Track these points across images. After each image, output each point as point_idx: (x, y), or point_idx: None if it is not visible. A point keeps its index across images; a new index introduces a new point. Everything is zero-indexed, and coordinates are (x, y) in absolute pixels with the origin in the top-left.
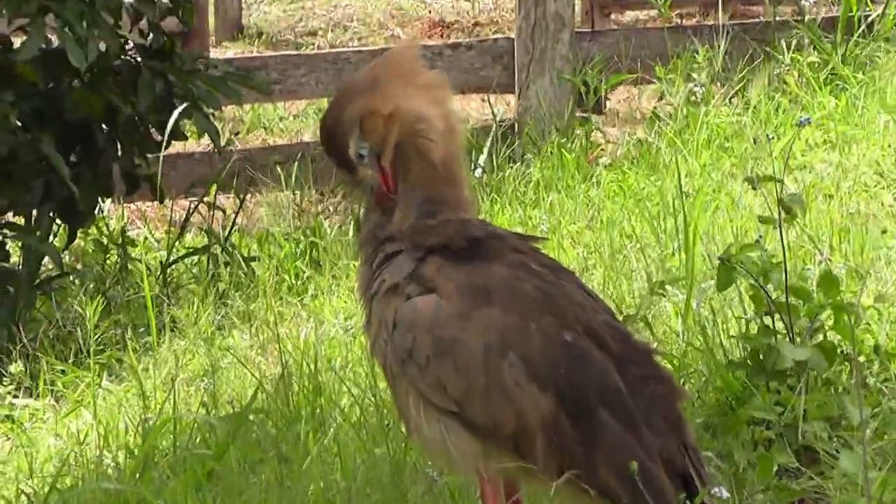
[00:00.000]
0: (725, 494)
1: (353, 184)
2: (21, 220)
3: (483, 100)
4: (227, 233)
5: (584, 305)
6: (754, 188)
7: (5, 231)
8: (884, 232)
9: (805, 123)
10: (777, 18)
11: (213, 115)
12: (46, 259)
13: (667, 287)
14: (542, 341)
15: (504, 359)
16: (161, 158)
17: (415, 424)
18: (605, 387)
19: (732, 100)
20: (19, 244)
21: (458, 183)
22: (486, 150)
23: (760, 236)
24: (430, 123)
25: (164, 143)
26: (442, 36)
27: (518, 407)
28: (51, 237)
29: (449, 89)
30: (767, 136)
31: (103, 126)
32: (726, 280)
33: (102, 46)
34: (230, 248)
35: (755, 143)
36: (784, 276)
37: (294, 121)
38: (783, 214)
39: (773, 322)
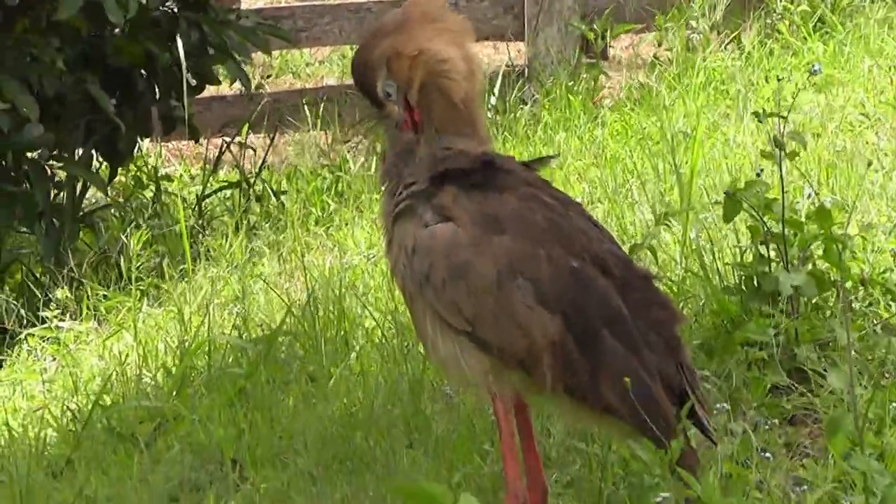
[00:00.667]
0: (724, 406)
1: (381, 119)
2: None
3: (495, 47)
4: (257, 169)
5: (589, 235)
6: (760, 122)
7: (53, 162)
8: (869, 165)
9: (816, 72)
10: None
11: (245, 61)
12: (89, 193)
13: (668, 219)
14: (551, 267)
15: (514, 283)
16: (195, 101)
17: (432, 344)
18: (608, 310)
19: (728, 46)
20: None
21: (476, 122)
22: (496, 92)
23: (760, 170)
24: (453, 64)
25: (199, 88)
26: None
27: (526, 328)
28: (94, 170)
29: (471, 33)
30: (778, 77)
31: (143, 71)
32: (732, 212)
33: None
34: (260, 183)
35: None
36: (782, 209)
37: (319, 66)
38: (784, 151)
39: (768, 251)
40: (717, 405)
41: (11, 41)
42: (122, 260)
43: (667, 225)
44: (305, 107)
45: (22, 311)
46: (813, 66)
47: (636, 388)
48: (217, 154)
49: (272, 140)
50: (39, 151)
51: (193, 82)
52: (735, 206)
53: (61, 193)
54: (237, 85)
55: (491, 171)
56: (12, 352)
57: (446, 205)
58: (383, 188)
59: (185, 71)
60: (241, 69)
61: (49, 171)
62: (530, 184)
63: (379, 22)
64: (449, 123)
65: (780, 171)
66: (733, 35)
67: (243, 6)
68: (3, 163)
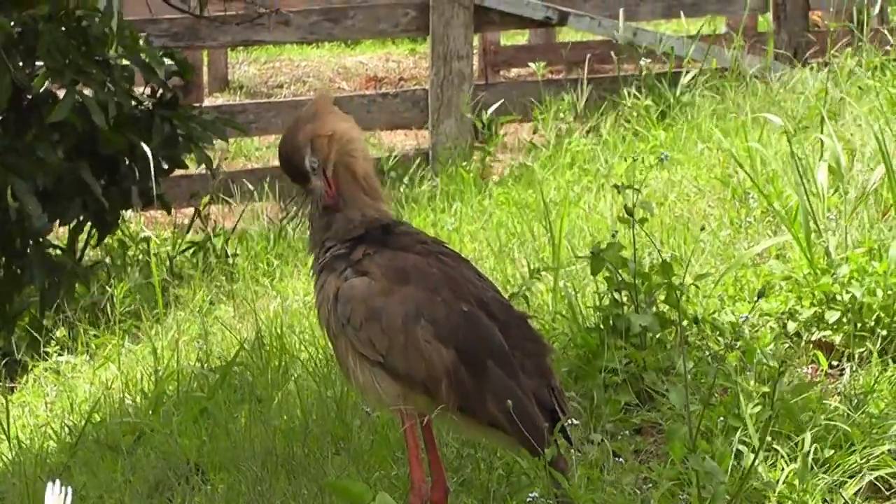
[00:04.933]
0: (577, 422)
1: (306, 192)
2: (64, 230)
3: (405, 135)
4: (216, 233)
5: (476, 284)
6: (619, 192)
7: (51, 250)
8: (702, 229)
9: (664, 159)
10: (622, 74)
11: (207, 147)
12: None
13: (541, 272)
14: (446, 310)
15: (417, 323)
16: (167, 180)
17: (352, 373)
18: (492, 344)
19: (589, 133)
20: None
21: (376, 193)
22: (410, 172)
23: (615, 232)
24: (357, 144)
25: (170, 169)
26: (376, 87)
27: (428, 359)
28: (86, 238)
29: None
30: (633, 158)
31: (125, 158)
32: (597, 267)
33: (119, 104)
34: (219, 244)
35: (607, 163)
36: (633, 262)
37: (266, 150)
38: (634, 217)
39: (622, 296)
40: (579, 419)
41: (23, 146)
42: (108, 306)
43: (538, 278)
44: (255, 184)
45: (30, 348)
46: (662, 154)
47: (516, 406)
48: (189, 222)
49: (229, 209)
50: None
51: (165, 165)
52: (599, 263)
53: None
54: (202, 166)
55: (393, 235)
56: (22, 380)
57: (359, 260)
58: (310, 251)
59: (158, 157)
60: (204, 154)
61: (48, 253)
62: (424, 242)
63: (296, 114)
64: (356, 193)
65: (633, 232)
66: (593, 125)
67: (205, 104)
68: (14, 244)
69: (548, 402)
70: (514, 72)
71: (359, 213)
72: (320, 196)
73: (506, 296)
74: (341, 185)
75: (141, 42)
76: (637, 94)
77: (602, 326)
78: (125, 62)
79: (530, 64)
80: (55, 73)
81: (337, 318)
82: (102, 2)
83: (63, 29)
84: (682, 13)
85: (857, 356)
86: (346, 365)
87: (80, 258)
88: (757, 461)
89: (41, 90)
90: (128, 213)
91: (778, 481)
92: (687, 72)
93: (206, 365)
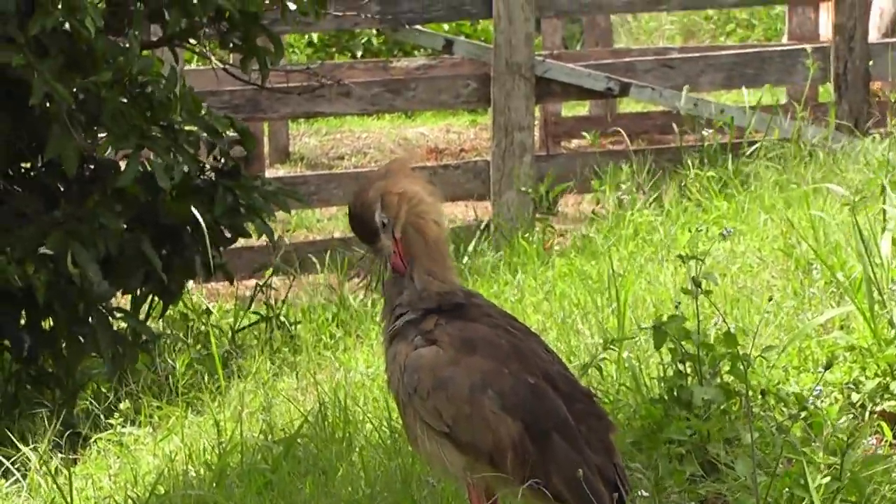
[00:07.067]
0: (646, 494)
1: (375, 251)
2: (127, 298)
3: (466, 206)
4: (279, 305)
5: (543, 358)
6: (683, 262)
7: (115, 313)
8: (770, 300)
9: (728, 234)
10: (684, 144)
11: (269, 218)
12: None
13: (612, 344)
14: (513, 382)
15: (484, 394)
16: (229, 251)
17: (419, 441)
18: (557, 417)
19: (651, 204)
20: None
21: (444, 259)
22: (472, 244)
23: (678, 303)
24: (428, 205)
25: (233, 240)
26: (436, 159)
27: (494, 430)
28: (150, 311)
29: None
30: (697, 229)
31: (188, 227)
32: (660, 341)
33: (185, 169)
34: (282, 317)
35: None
36: (697, 334)
37: (328, 222)
38: (700, 288)
39: (685, 368)
40: (645, 491)
41: (85, 213)
42: (171, 378)
43: (612, 348)
44: (316, 255)
45: (92, 421)
46: (725, 229)
47: (583, 479)
48: (250, 295)
49: (291, 282)
50: (105, 304)
51: (228, 235)
52: (662, 337)
53: (125, 325)
54: (263, 238)
55: (466, 306)
56: (85, 452)
57: (430, 330)
58: (384, 318)
59: (221, 228)
60: (266, 225)
61: (111, 318)
62: (494, 315)
63: (368, 174)
64: (425, 257)
65: (696, 303)
66: (655, 196)
67: (267, 174)
68: (77, 311)
69: (612, 479)
70: (574, 143)
71: (429, 280)
72: (388, 256)
73: (574, 368)
74: (411, 248)
75: (203, 112)
76: (699, 164)
77: (666, 398)
78: (190, 128)
79: (585, 135)
80: (120, 138)
81: (404, 386)
82: (166, 68)
83: (127, 94)
84: (742, 83)
85: None
86: (414, 434)
87: (142, 330)
88: None
89: (104, 158)
90: (189, 284)
91: None
92: (749, 143)
93: (269, 437)
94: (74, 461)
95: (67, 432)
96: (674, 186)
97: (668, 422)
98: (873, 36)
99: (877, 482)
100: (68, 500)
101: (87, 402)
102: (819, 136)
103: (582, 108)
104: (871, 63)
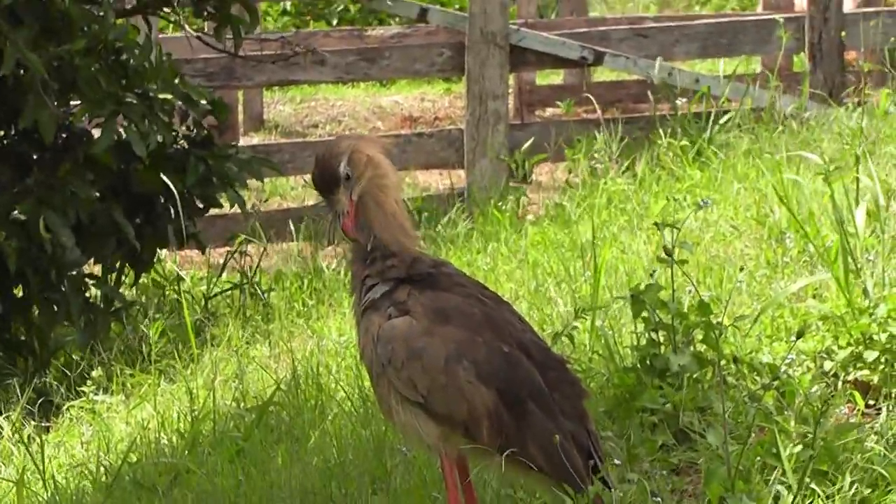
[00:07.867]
0: (618, 463)
1: (329, 204)
2: (99, 267)
3: (440, 174)
4: (252, 273)
5: (516, 326)
6: (659, 230)
7: (87, 280)
8: (741, 269)
9: (705, 205)
10: (657, 113)
11: (242, 187)
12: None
13: (584, 312)
14: (487, 351)
15: (459, 363)
16: (202, 219)
17: (393, 412)
18: (531, 385)
19: (624, 173)
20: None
21: (404, 230)
22: (447, 213)
23: (654, 271)
24: (392, 182)
25: (205, 209)
26: (410, 127)
27: (469, 400)
28: (122, 279)
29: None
30: (673, 198)
31: (161, 197)
32: (638, 310)
33: (159, 138)
34: (254, 284)
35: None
36: (673, 303)
37: (302, 190)
38: (674, 258)
39: (659, 336)
40: (617, 460)
41: (57, 182)
42: (143, 346)
43: (583, 317)
44: (290, 223)
45: (65, 388)
46: (702, 200)
47: (557, 446)
48: (222, 263)
49: (263, 249)
50: (77, 270)
51: (201, 205)
52: (640, 306)
53: (97, 293)
54: (236, 206)
55: (436, 275)
56: (58, 420)
57: (403, 301)
58: (352, 291)
59: (194, 196)
60: (238, 195)
61: (84, 285)
62: (466, 284)
63: (343, 136)
64: (383, 228)
65: (671, 272)
66: (628, 164)
67: (241, 143)
68: (49, 278)
69: (585, 445)
70: (549, 111)
71: (397, 250)
72: (341, 213)
73: (546, 336)
74: (368, 217)
75: (177, 80)
76: (672, 133)
77: (639, 366)
78: (165, 95)
79: (559, 103)
80: (95, 105)
81: (378, 357)
82: (141, 36)
83: (102, 62)
84: (717, 53)
85: (894, 396)
86: (388, 405)
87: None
88: (795, 501)
89: (77, 126)
90: (163, 253)
91: None
92: (723, 112)
93: (242, 405)
94: (47, 429)
95: (40, 400)
96: (646, 155)
97: (641, 390)
98: (848, 6)
99: (849, 451)
100: (40, 467)
101: (60, 370)
102: (793, 105)
103: (556, 77)
104: (844, 34)
